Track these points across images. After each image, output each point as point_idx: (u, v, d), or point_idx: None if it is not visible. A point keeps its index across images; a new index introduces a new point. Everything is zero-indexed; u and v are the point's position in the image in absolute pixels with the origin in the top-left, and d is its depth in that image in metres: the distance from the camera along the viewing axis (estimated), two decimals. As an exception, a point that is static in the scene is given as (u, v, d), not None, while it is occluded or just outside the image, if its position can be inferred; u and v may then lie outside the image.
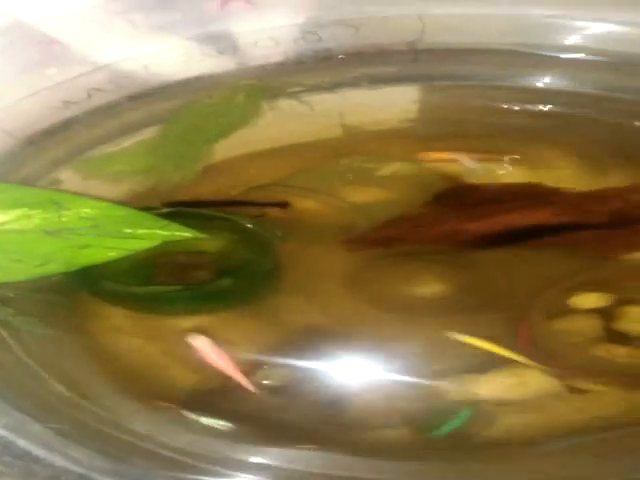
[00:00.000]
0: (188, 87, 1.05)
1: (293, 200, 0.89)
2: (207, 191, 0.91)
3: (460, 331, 0.70)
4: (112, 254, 0.76)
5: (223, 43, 1.08)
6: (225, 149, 0.98)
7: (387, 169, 0.95)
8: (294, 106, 1.05)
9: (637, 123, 0.99)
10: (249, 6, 1.10)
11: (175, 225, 0.78)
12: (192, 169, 0.94)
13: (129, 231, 0.77)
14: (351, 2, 1.11)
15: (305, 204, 0.88)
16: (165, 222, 0.78)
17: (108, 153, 0.97)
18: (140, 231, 0.77)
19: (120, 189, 0.92)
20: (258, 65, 1.08)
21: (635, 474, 0.56)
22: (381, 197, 0.90)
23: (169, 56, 1.07)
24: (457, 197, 0.88)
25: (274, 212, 0.88)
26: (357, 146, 0.99)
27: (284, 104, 1.05)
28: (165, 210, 0.84)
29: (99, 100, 1.02)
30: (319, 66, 1.10)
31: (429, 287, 0.75)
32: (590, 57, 1.06)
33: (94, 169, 0.96)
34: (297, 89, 1.07)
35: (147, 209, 0.82)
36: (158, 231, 0.78)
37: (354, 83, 1.09)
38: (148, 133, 0.99)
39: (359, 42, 1.11)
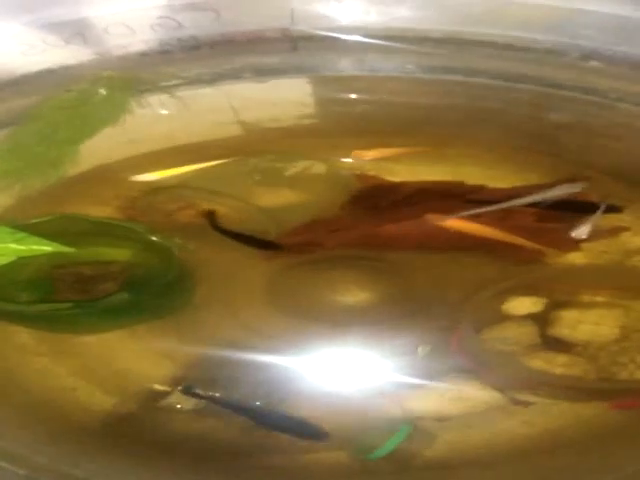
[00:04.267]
0: (42, 81, 1.00)
1: (200, 205, 0.86)
2: (107, 193, 0.87)
3: (390, 341, 0.68)
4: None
5: (67, 31, 1.03)
6: (107, 148, 0.94)
7: (296, 169, 0.93)
8: (167, 101, 1.01)
9: (547, 114, 1.00)
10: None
11: (34, 238, 0.73)
12: (56, 173, 0.89)
13: None
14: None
15: (213, 209, 0.86)
16: (22, 235, 0.73)
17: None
18: None
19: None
20: (118, 56, 1.05)
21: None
22: (293, 199, 0.88)
23: (4, 46, 1.01)
24: (374, 198, 0.86)
25: (181, 217, 0.85)
26: (260, 145, 0.97)
27: (154, 99, 1.02)
28: (48, 218, 0.80)
29: None
30: (188, 56, 1.08)
31: (354, 295, 0.73)
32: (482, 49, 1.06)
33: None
34: (171, 82, 1.03)
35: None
36: (12, 245, 0.73)
37: (235, 75, 1.06)
38: (1, 134, 0.93)
39: (225, 29, 1.08)
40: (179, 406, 0.61)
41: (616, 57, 1.00)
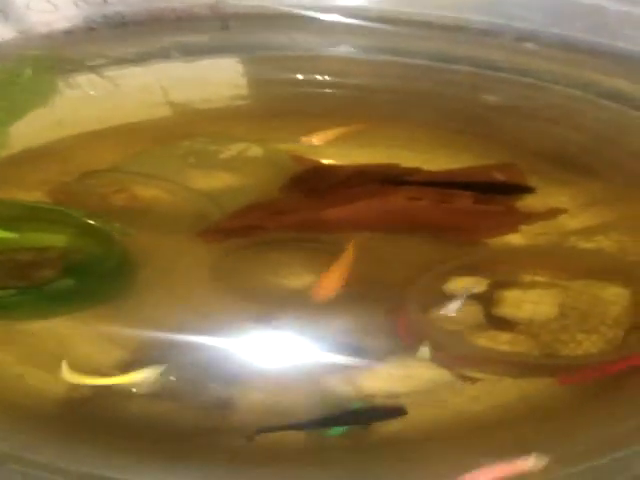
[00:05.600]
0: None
1: (135, 188, 0.89)
2: (36, 177, 0.90)
3: (335, 323, 0.73)
4: None
5: (-14, 7, 1.04)
6: (34, 131, 0.97)
7: (231, 151, 0.97)
8: (96, 82, 1.05)
9: (482, 95, 1.06)
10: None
11: None
12: None
13: None
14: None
15: (148, 192, 0.89)
16: None
17: None
18: None
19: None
20: (42, 34, 1.07)
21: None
22: (230, 182, 0.92)
23: None
24: (312, 180, 0.91)
25: (116, 201, 0.88)
26: (192, 127, 1.01)
27: (83, 79, 1.05)
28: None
29: None
30: (114, 34, 1.11)
31: (298, 278, 0.78)
32: (418, 29, 1.12)
33: None
34: (97, 62, 1.06)
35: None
36: None
37: (163, 54, 1.10)
38: None
39: (152, 5, 1.12)
40: (134, 390, 0.65)
41: (551, 39, 1.06)
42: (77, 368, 0.68)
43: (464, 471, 0.60)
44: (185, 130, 0.98)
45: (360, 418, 0.64)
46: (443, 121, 1.00)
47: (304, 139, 0.95)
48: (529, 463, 0.59)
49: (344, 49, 1.11)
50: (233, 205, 0.85)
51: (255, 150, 0.95)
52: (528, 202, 0.87)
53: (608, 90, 1.01)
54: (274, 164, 0.93)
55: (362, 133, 0.97)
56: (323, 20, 1.11)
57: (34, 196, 0.86)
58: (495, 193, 0.87)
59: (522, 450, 0.61)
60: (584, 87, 1.02)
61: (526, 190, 0.87)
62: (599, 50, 1.04)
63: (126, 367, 0.67)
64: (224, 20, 1.10)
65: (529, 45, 1.07)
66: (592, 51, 1.04)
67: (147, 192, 0.88)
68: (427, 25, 1.10)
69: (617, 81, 1.02)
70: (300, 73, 1.09)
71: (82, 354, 0.70)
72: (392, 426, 0.64)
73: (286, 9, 1.11)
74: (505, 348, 0.70)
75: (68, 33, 1.07)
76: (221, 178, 0.91)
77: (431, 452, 0.63)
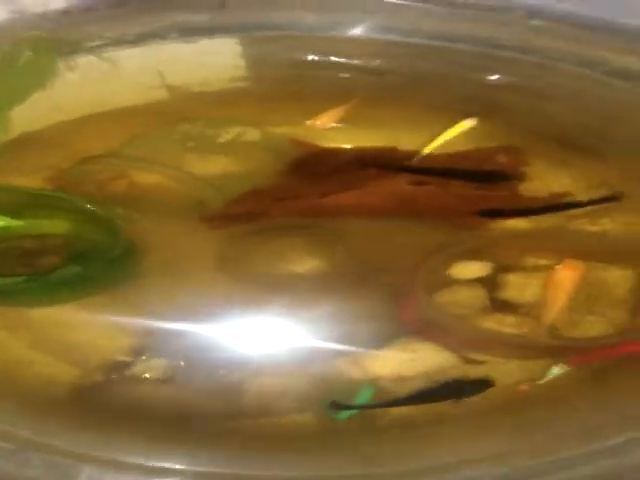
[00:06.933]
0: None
1: (133, 174, 0.93)
2: (33, 163, 0.93)
3: (340, 307, 0.77)
4: None
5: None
6: (32, 115, 0.99)
7: (229, 135, 1.00)
8: (95, 63, 1.07)
9: (488, 77, 1.08)
10: None
11: None
12: None
13: None
14: None
15: (148, 178, 0.92)
16: None
17: None
18: None
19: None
20: (38, 13, 1.09)
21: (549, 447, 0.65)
22: (228, 167, 0.95)
23: None
24: (314, 165, 0.94)
25: (115, 188, 0.92)
26: (190, 110, 1.03)
27: (83, 61, 1.07)
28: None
29: None
30: (112, 14, 1.12)
31: (303, 263, 0.81)
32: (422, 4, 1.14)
33: None
34: (96, 43, 1.08)
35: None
36: None
37: (162, 35, 1.12)
38: None
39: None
40: (147, 375, 0.69)
41: (560, 15, 1.07)
42: (85, 354, 0.71)
43: (472, 454, 0.64)
44: (183, 114, 1.01)
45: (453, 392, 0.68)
46: (446, 102, 1.02)
47: (308, 123, 0.98)
48: None
49: (346, 29, 1.12)
50: (232, 190, 0.89)
51: (253, 134, 0.98)
52: (532, 185, 0.90)
53: (618, 69, 1.03)
54: (272, 148, 0.96)
55: (363, 114, 1.00)
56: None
57: (34, 182, 0.89)
58: (483, 182, 0.90)
59: (527, 433, 0.65)
60: (593, 66, 1.03)
61: (515, 177, 0.89)
62: (611, 27, 1.05)
63: (134, 353, 0.71)
64: (222, -2, 1.12)
65: (536, 22, 1.07)
66: (604, 28, 1.05)
67: (146, 178, 0.91)
68: (431, 0, 1.10)
69: (628, 59, 1.03)
70: (301, 54, 1.11)
71: (90, 341, 0.73)
72: (399, 409, 0.68)
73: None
74: (511, 331, 0.74)
75: (65, 13, 1.09)
76: (219, 162, 0.94)
77: (443, 432, 0.66)
